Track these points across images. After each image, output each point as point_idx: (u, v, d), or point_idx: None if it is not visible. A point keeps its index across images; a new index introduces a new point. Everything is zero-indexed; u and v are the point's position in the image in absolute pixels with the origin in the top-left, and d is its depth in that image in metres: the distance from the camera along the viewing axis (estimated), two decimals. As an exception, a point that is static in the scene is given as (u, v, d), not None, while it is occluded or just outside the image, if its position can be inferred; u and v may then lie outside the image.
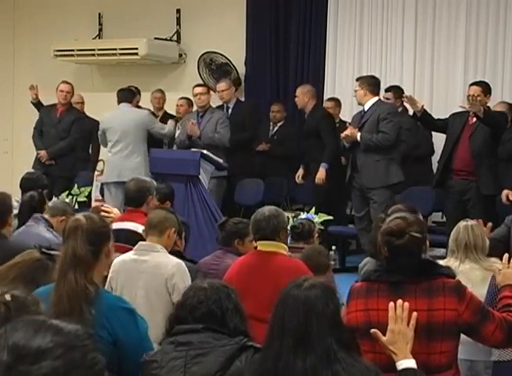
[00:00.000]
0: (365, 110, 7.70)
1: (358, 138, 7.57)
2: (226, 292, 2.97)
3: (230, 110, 9.07)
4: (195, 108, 9.11)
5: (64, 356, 1.39)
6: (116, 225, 5.02)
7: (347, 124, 7.94)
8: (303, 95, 8.60)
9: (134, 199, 5.38)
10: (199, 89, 8.83)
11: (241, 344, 2.83)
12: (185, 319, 2.92)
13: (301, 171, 8.73)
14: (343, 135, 7.72)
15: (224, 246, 5.07)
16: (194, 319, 2.90)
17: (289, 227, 6.41)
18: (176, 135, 8.85)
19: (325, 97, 9.34)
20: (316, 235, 5.58)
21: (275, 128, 9.25)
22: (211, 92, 9.08)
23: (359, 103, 7.80)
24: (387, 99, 8.20)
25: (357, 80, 7.87)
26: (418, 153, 8.32)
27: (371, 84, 7.74)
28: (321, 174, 8.23)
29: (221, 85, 9.05)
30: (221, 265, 4.89)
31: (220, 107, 9.15)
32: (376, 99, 7.71)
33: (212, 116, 8.74)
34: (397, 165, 7.69)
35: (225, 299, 2.94)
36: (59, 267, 2.96)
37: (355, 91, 7.78)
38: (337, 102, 9.00)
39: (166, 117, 9.29)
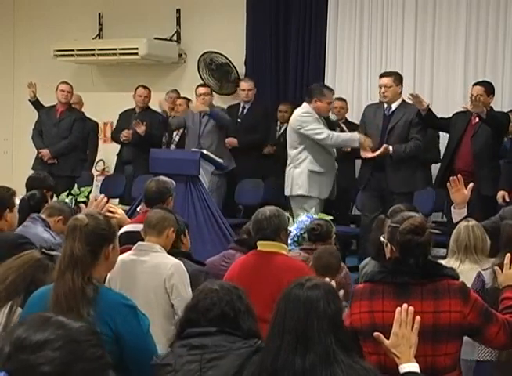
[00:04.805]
0: (393, 109, 7.43)
1: (391, 151, 7.24)
2: (237, 293, 2.96)
3: (245, 111, 9.11)
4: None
5: (64, 347, 1.43)
6: (133, 228, 4.98)
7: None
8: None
9: (154, 200, 5.18)
10: (203, 89, 8.79)
11: (255, 346, 2.82)
12: (198, 321, 2.89)
13: None
14: (369, 155, 7.27)
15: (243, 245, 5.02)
16: (207, 322, 2.88)
17: (292, 229, 6.43)
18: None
19: (325, 97, 9.31)
20: (334, 236, 5.55)
21: (282, 129, 8.95)
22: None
23: (387, 102, 7.43)
24: None
25: (388, 75, 7.51)
26: (425, 157, 7.95)
27: (401, 81, 7.48)
28: None
29: (248, 84, 9.10)
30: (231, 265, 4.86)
31: (234, 107, 9.19)
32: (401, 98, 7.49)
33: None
34: (421, 171, 7.57)
35: (237, 300, 2.93)
36: (58, 267, 2.96)
37: (388, 87, 7.37)
38: (345, 102, 8.87)
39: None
